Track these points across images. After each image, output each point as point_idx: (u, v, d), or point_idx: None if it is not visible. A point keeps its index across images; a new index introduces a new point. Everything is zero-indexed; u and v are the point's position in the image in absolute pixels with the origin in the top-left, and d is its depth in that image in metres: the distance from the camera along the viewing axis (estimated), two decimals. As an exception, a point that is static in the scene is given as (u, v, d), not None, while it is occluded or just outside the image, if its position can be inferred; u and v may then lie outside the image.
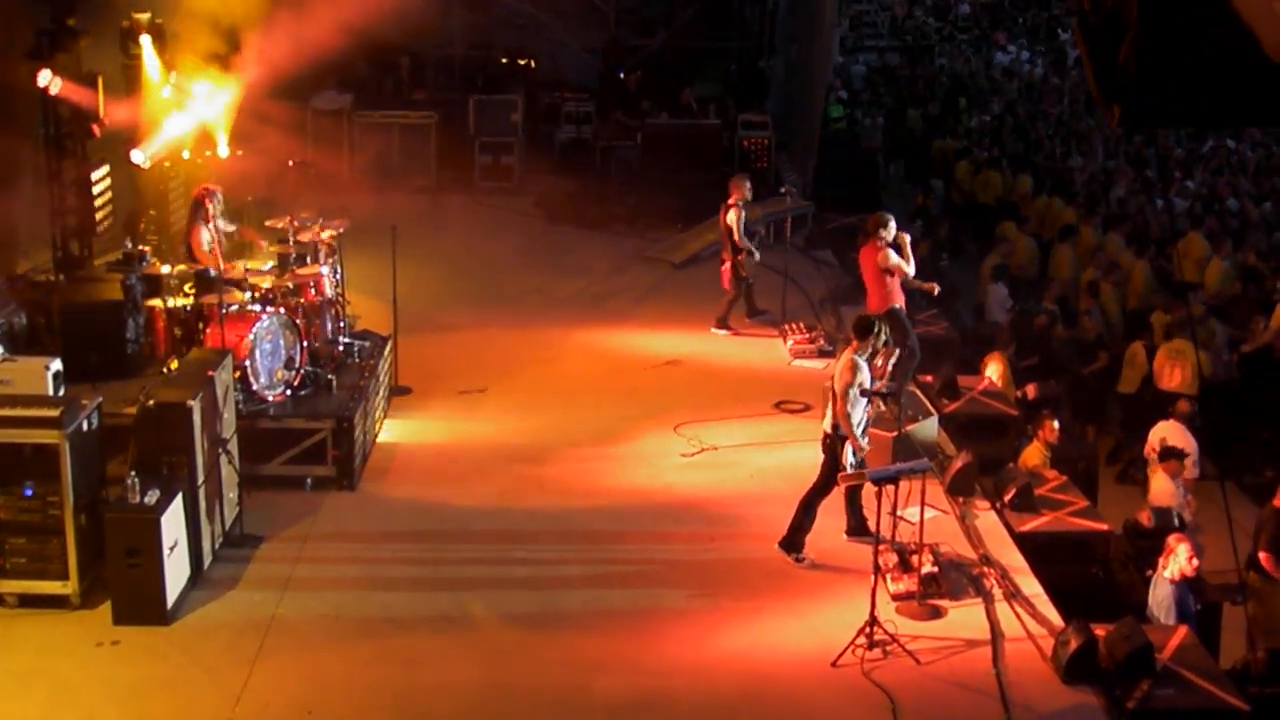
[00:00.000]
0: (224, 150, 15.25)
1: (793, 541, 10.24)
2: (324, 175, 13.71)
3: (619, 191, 20.17)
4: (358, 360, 12.59)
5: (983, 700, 8.58)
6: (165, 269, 12.35)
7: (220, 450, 10.04)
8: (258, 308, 11.71)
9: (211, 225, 12.84)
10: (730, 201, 15.19)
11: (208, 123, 15.25)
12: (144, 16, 14.79)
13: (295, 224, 12.76)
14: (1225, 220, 19.45)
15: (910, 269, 12.36)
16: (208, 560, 9.87)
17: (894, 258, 12.22)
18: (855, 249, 13.24)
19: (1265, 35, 4.85)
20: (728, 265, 15.29)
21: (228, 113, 15.55)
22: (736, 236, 15.06)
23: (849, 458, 10.10)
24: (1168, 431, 12.52)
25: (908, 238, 12.49)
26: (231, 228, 13.36)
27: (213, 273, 12.36)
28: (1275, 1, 4.87)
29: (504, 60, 23.12)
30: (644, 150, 20.33)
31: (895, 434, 11.15)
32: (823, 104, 21.18)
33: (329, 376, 12.00)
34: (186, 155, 15.17)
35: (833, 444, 10.21)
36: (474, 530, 10.77)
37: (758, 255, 15.21)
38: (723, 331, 15.39)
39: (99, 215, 14.46)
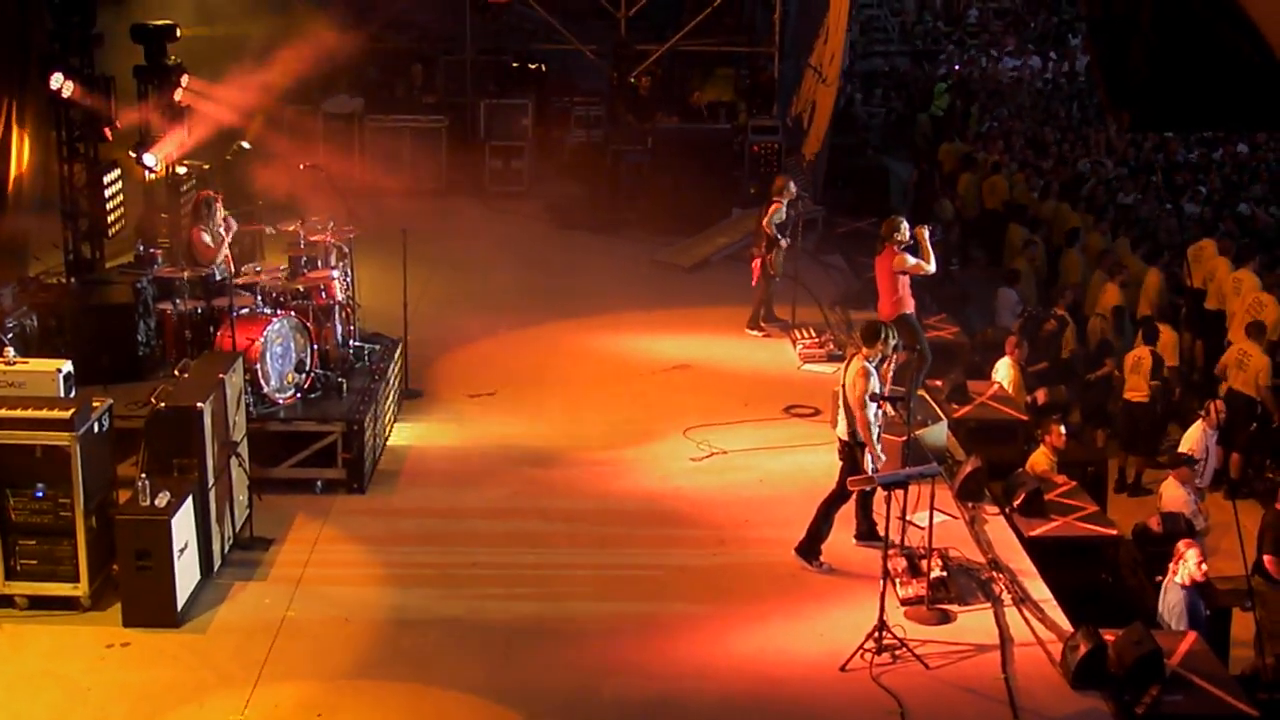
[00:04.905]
0: (246, 144, 15.38)
1: (810, 549, 10.23)
2: (335, 179, 13.70)
3: (629, 196, 20.15)
4: (368, 363, 12.61)
5: (991, 705, 8.57)
6: (176, 272, 12.39)
7: (231, 453, 10.07)
8: (268, 311, 11.74)
9: (216, 226, 12.85)
10: (775, 196, 15.18)
11: (219, 126, 15.33)
12: (158, 20, 14.85)
13: (306, 227, 12.79)
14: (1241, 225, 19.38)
15: (930, 266, 12.31)
16: (218, 563, 9.89)
17: (910, 260, 12.20)
18: (871, 255, 13.21)
19: (1277, 39, 4.85)
20: (758, 261, 15.28)
21: (239, 116, 15.64)
22: (765, 222, 15.03)
23: (869, 465, 10.08)
24: (1190, 437, 12.53)
25: (926, 232, 12.41)
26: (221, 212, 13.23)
27: (219, 275, 12.40)
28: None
29: (514, 64, 23.16)
30: (654, 154, 20.32)
31: (905, 439, 11.15)
32: (836, 107, 21.14)
33: (339, 379, 12.02)
34: (183, 170, 15.23)
35: (850, 451, 10.21)
36: (483, 533, 10.79)
37: (784, 243, 15.11)
38: (756, 333, 15.39)
39: (110, 219, 14.53)
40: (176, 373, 11.53)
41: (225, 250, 12.81)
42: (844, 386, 10.20)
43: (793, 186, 15.33)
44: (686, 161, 19.79)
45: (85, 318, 12.39)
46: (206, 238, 12.74)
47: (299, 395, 11.71)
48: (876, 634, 8.97)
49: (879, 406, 10.15)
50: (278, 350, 11.53)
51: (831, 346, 14.63)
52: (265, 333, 11.34)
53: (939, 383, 13.25)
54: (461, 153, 21.34)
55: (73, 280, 13.68)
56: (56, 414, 9.15)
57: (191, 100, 15.12)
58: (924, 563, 9.79)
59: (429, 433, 12.71)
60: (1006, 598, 9.81)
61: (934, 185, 22.84)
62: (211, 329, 11.84)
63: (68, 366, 9.68)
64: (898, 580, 9.73)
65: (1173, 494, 11.67)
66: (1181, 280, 17.16)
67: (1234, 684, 8.73)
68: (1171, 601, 9.76)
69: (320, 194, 13.86)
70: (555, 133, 22.42)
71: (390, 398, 12.63)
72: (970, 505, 11.24)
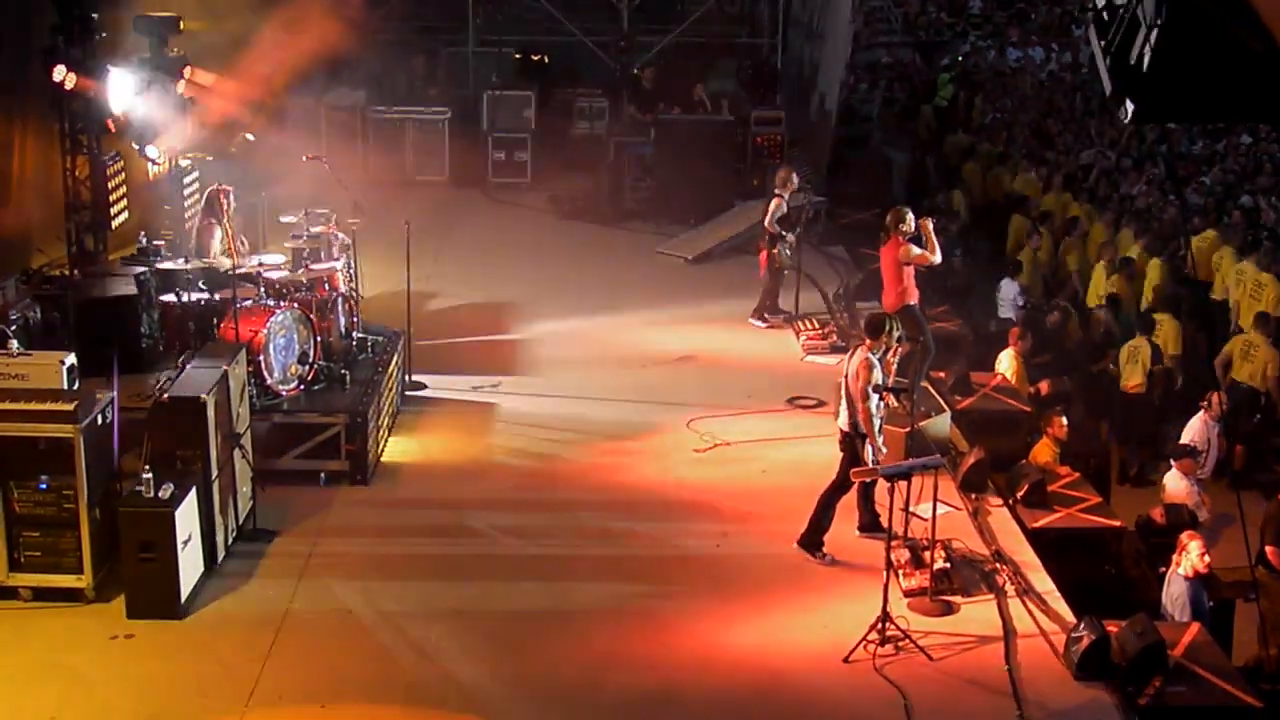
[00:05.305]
0: (250, 136, 15.37)
1: (812, 540, 10.23)
2: (338, 171, 13.70)
3: (632, 187, 20.18)
4: (371, 355, 12.62)
5: (995, 697, 8.57)
6: (180, 264, 12.39)
7: (234, 445, 10.07)
8: (271, 302, 11.75)
9: (226, 223, 12.85)
10: (777, 190, 15.19)
11: (222, 118, 15.32)
12: (161, 12, 14.84)
13: (309, 219, 12.78)
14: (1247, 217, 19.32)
15: (935, 257, 12.29)
16: (221, 555, 9.90)
17: (915, 251, 12.18)
18: (875, 246, 13.19)
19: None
20: (764, 254, 15.30)
21: (242, 108, 15.62)
22: (767, 221, 15.05)
23: (869, 457, 10.08)
24: (1191, 428, 12.50)
25: (930, 223, 12.39)
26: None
27: (225, 267, 12.40)
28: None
29: (517, 56, 23.15)
30: (657, 146, 20.32)
31: (908, 430, 11.15)
32: (839, 98, 21.14)
33: (342, 371, 12.02)
34: (186, 163, 15.21)
35: (851, 442, 10.21)
36: (486, 525, 10.79)
37: (790, 238, 15.14)
38: (760, 323, 15.40)
39: (113, 211, 14.52)
40: (180, 364, 11.54)
41: (231, 245, 12.70)
42: (847, 377, 10.20)
43: (795, 178, 15.34)
44: (689, 153, 19.78)
45: (89, 310, 12.39)
46: (218, 232, 12.69)
47: (302, 387, 11.71)
48: (880, 625, 8.97)
49: (882, 398, 10.15)
50: (281, 342, 11.54)
51: (834, 338, 14.64)
52: (268, 324, 11.34)
53: (942, 374, 13.24)
54: (464, 144, 21.35)
55: (76, 272, 13.68)
56: (60, 406, 9.17)
57: (194, 92, 15.11)
58: (927, 554, 9.78)
59: (432, 424, 12.71)
60: (1010, 589, 9.81)
61: (928, 174, 22.82)
62: (215, 321, 11.84)
63: (71, 358, 9.68)
64: (901, 572, 9.73)
65: (1175, 485, 11.67)
66: (1184, 271, 17.13)
67: (1237, 675, 8.74)
68: (1175, 593, 9.77)
69: (323, 186, 13.85)
70: (558, 124, 22.41)
71: (393, 389, 12.63)
72: (973, 497, 11.24)
